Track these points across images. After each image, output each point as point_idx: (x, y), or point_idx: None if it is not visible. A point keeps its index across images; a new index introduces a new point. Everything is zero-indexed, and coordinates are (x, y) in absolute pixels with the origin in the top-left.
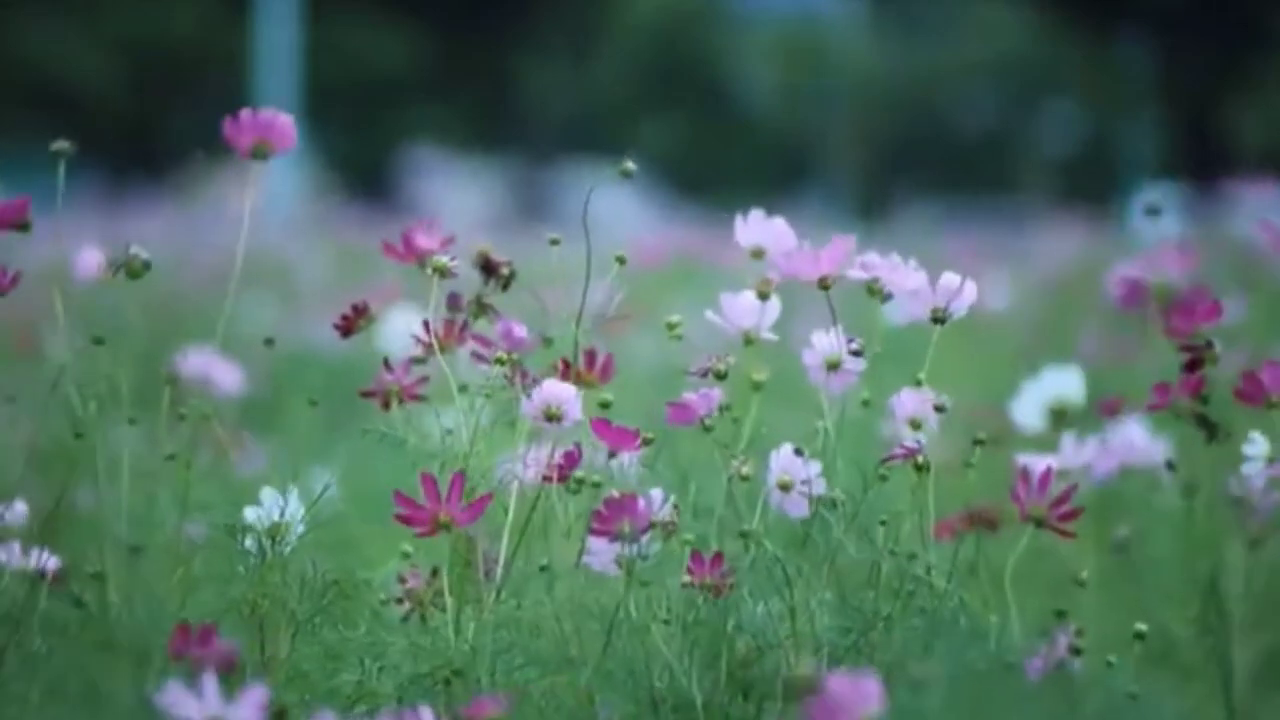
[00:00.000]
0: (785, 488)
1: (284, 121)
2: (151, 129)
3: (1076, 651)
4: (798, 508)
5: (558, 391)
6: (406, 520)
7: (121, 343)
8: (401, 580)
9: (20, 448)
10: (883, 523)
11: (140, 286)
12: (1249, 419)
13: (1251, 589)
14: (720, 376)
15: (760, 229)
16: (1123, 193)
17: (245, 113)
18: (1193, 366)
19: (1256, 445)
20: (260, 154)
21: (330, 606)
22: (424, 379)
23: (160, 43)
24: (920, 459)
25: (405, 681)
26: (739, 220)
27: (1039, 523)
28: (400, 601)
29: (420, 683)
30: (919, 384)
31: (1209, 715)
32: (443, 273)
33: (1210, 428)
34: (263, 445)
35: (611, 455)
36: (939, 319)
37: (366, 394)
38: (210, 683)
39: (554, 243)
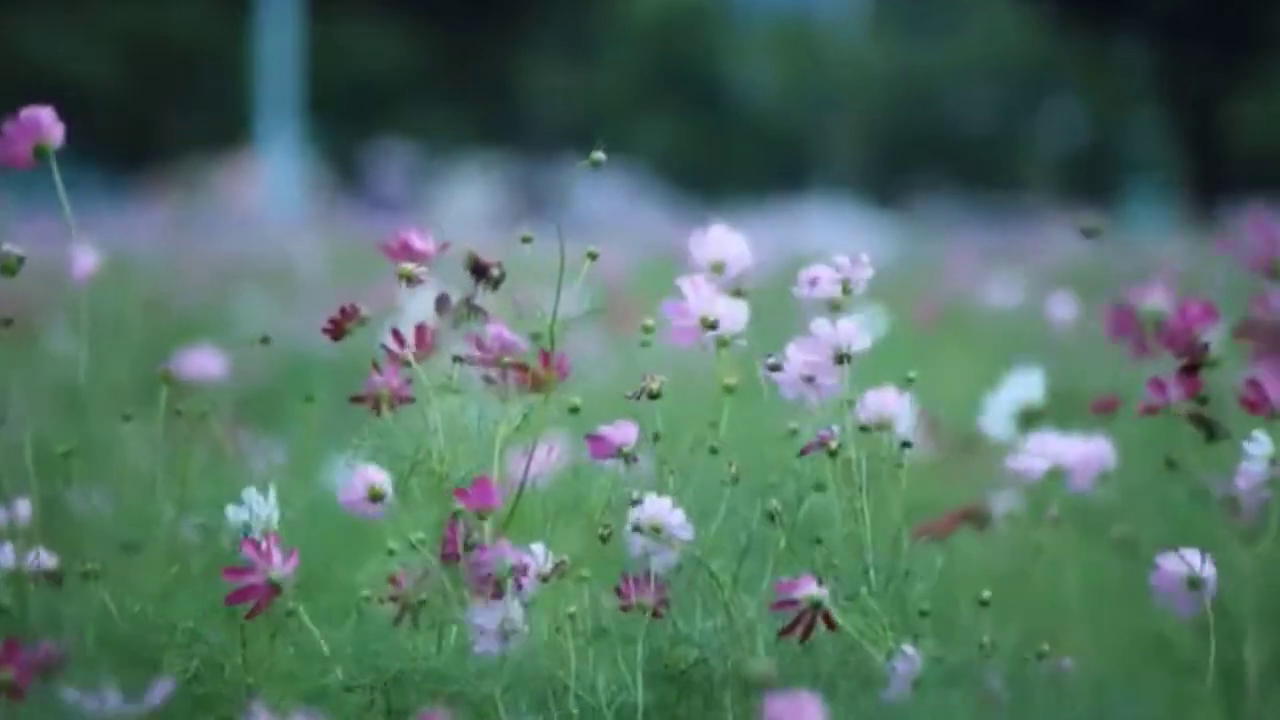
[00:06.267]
0: (656, 530)
1: (47, 116)
2: (151, 128)
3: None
4: (665, 558)
5: None
6: (233, 601)
7: (120, 341)
8: (390, 581)
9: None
10: (818, 541)
11: (140, 285)
12: (1247, 420)
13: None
14: (654, 396)
15: (720, 243)
16: (1123, 192)
17: (8, 124)
18: (1189, 370)
19: (1259, 445)
20: (41, 154)
21: (313, 605)
22: (411, 381)
23: (160, 42)
24: (832, 446)
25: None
26: (695, 234)
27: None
28: (387, 602)
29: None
30: (910, 382)
31: (1207, 716)
32: (411, 281)
33: (1209, 427)
34: (262, 443)
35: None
36: (843, 357)
37: (356, 399)
38: (109, 682)
39: (526, 240)
